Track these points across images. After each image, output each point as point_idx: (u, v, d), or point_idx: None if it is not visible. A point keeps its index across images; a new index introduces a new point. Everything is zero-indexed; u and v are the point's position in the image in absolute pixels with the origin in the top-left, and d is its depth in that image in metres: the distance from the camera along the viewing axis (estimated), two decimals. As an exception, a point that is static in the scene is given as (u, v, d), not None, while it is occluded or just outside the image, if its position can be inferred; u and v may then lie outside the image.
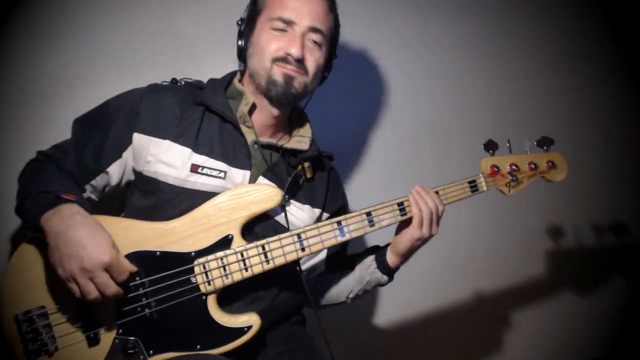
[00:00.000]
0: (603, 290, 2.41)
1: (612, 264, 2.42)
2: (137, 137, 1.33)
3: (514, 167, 1.57)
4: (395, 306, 2.14)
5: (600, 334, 2.36)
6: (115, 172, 1.35)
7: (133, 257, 1.27)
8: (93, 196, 1.40)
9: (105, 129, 1.34)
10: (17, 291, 1.24)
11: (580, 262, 2.37)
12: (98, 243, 1.17)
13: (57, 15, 1.60)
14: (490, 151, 1.58)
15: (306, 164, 1.47)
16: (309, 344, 1.50)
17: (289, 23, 1.37)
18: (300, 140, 1.49)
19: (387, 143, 2.11)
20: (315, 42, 1.40)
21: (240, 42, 1.42)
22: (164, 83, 1.42)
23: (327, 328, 1.44)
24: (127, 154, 1.34)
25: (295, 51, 1.35)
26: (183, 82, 1.43)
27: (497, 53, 2.28)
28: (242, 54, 1.43)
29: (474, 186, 1.53)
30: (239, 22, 1.44)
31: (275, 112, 1.44)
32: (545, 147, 1.63)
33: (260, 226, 1.39)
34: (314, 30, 1.39)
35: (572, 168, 1.60)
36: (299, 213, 1.46)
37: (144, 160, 1.33)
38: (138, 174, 1.35)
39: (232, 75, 1.49)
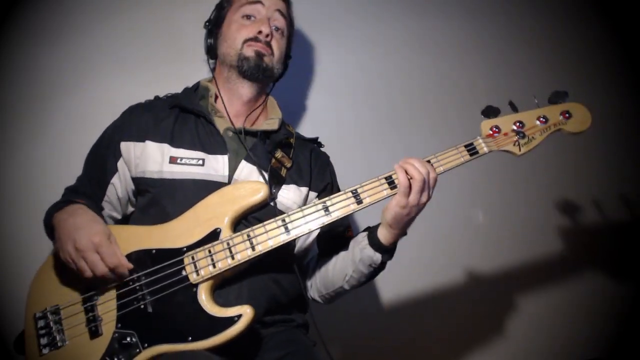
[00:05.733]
0: (603, 291, 2.29)
1: (612, 263, 2.33)
2: (124, 146, 1.49)
3: (518, 124, 1.42)
4: (396, 306, 2.02)
5: (600, 334, 2.27)
6: (117, 183, 1.51)
7: (132, 256, 1.37)
8: (115, 214, 1.55)
9: (103, 150, 1.53)
10: (40, 294, 1.40)
11: (580, 262, 2.28)
12: (91, 227, 1.31)
13: (57, 16, 1.76)
14: (491, 116, 1.46)
15: (279, 155, 1.51)
16: (309, 349, 1.43)
17: (255, 4, 1.54)
18: (270, 122, 1.58)
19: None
20: (278, 28, 1.57)
21: (209, 41, 1.60)
22: (147, 100, 1.59)
23: (326, 329, 1.37)
24: (121, 165, 1.50)
25: (265, 28, 1.53)
26: (165, 97, 1.60)
27: (496, 51, 2.27)
28: (212, 50, 1.60)
29: (472, 149, 1.41)
30: (207, 24, 1.63)
31: (245, 94, 1.55)
32: (559, 102, 1.46)
33: (257, 214, 1.43)
34: (279, 12, 1.57)
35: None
36: (286, 193, 1.50)
37: (133, 165, 1.48)
38: (134, 179, 1.49)
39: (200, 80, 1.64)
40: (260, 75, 1.53)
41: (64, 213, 1.38)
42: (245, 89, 1.55)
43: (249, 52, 1.52)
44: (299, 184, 1.53)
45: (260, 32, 1.53)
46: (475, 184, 2.17)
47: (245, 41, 1.52)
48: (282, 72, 1.64)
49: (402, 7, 2.20)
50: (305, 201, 1.54)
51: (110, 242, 1.32)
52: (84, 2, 1.83)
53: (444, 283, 2.14)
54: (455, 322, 2.16)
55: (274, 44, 1.55)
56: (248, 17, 1.55)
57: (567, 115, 1.42)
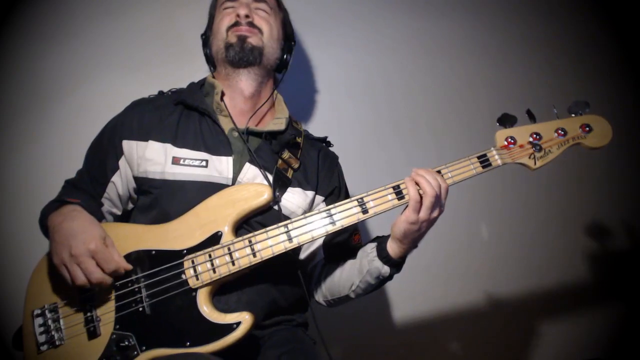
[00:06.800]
0: (603, 290, 2.28)
1: (613, 263, 2.29)
2: (126, 144, 1.45)
3: (535, 136, 1.36)
4: (396, 306, 2.03)
5: (600, 334, 2.24)
6: (118, 181, 1.47)
7: (132, 256, 1.34)
8: (115, 210, 1.52)
9: (105, 146, 1.48)
10: (39, 291, 1.38)
11: (580, 262, 2.27)
12: (87, 232, 1.28)
13: (58, 17, 1.75)
14: (507, 125, 1.40)
15: (285, 155, 1.46)
16: (308, 346, 1.41)
17: None
18: (277, 121, 1.52)
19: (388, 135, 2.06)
20: (263, 11, 1.52)
21: (206, 50, 1.55)
22: (151, 96, 1.54)
23: (327, 329, 1.35)
24: (122, 163, 1.46)
25: (242, 11, 1.48)
26: (170, 92, 1.55)
27: (496, 52, 2.23)
28: (210, 59, 1.55)
29: (484, 161, 1.35)
30: (202, 36, 1.59)
31: (245, 88, 1.50)
32: (579, 112, 1.39)
33: (260, 218, 1.39)
34: (258, 0, 1.52)
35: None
36: (291, 197, 1.45)
37: (135, 164, 1.44)
38: (136, 178, 1.46)
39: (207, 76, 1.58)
40: (250, 57, 1.47)
41: (59, 216, 1.34)
42: (244, 81, 1.49)
43: (233, 38, 1.48)
44: (305, 187, 1.48)
45: (238, 15, 1.47)
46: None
47: (228, 29, 1.48)
48: (284, 56, 1.55)
49: (406, 8, 2.15)
50: (311, 205, 1.50)
51: (106, 246, 1.29)
52: (84, 2, 1.79)
53: (445, 285, 2.13)
54: (455, 322, 2.14)
55: (259, 22, 1.50)
56: (229, 7, 1.50)
57: (587, 128, 1.36)
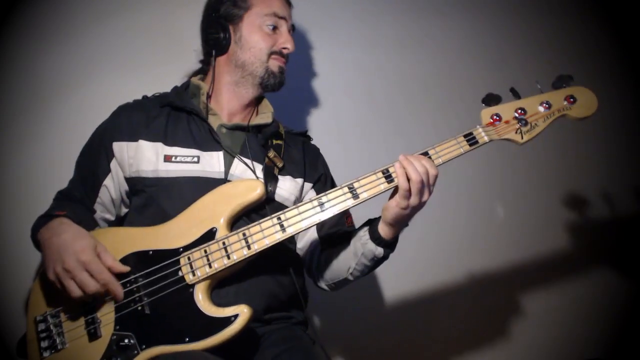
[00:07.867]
0: (603, 290, 2.26)
1: (612, 262, 2.29)
2: (116, 146, 1.48)
3: (520, 111, 1.36)
4: (395, 304, 2.00)
5: (600, 334, 2.24)
6: (110, 184, 1.49)
7: (129, 258, 1.36)
8: (108, 215, 1.54)
9: (95, 150, 1.52)
10: (41, 298, 1.40)
11: (580, 260, 2.25)
12: (77, 245, 1.30)
13: (58, 17, 1.76)
14: (492, 104, 1.40)
15: (271, 154, 1.50)
16: (307, 345, 1.42)
17: (280, 19, 1.54)
18: (263, 116, 1.58)
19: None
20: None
21: (221, 35, 1.53)
22: (136, 100, 1.57)
23: (326, 327, 1.35)
24: (114, 165, 1.48)
25: (291, 46, 1.54)
26: (154, 96, 1.58)
27: (496, 52, 2.26)
28: (220, 44, 1.53)
29: (471, 139, 1.36)
30: (214, 14, 1.56)
31: (248, 98, 1.55)
32: (563, 86, 1.40)
33: (255, 213, 1.41)
34: (293, 28, 1.59)
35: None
36: (283, 184, 1.50)
37: (127, 165, 1.47)
38: (128, 180, 1.48)
39: (190, 78, 1.61)
40: (278, 89, 1.55)
41: (48, 231, 1.36)
42: (251, 94, 1.56)
43: (275, 67, 1.53)
44: (294, 176, 1.53)
45: (286, 48, 1.53)
46: (476, 177, 2.13)
47: (272, 53, 1.53)
48: None
49: (405, 8, 2.18)
50: (301, 192, 1.54)
51: (98, 255, 1.30)
52: (84, 2, 1.82)
53: (444, 281, 2.12)
54: (455, 320, 2.13)
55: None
56: (272, 28, 1.54)
57: (571, 99, 1.36)
